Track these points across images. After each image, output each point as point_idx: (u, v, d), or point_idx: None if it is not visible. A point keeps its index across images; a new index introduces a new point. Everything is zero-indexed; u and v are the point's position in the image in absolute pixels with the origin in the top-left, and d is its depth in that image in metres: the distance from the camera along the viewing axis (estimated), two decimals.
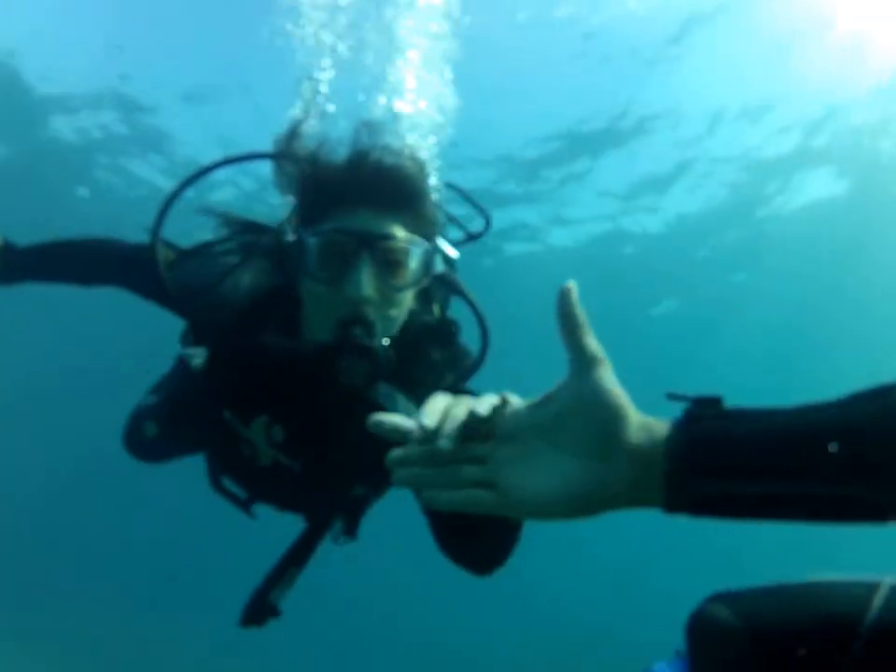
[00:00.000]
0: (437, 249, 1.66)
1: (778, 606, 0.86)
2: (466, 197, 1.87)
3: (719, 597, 0.88)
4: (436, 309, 1.80)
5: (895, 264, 11.80)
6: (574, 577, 17.78)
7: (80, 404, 14.64)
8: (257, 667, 11.55)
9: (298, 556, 2.19)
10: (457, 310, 1.86)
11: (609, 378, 0.83)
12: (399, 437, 0.88)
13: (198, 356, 1.86)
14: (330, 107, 3.42)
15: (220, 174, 1.77)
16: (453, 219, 1.83)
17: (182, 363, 2.02)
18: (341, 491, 2.04)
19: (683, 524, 0.85)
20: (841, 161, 10.31)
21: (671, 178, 10.88)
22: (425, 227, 1.62)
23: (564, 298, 0.84)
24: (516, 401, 0.89)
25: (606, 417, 0.81)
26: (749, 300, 13.42)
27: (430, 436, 0.84)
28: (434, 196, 1.68)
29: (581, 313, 0.84)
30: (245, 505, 2.17)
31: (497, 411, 0.88)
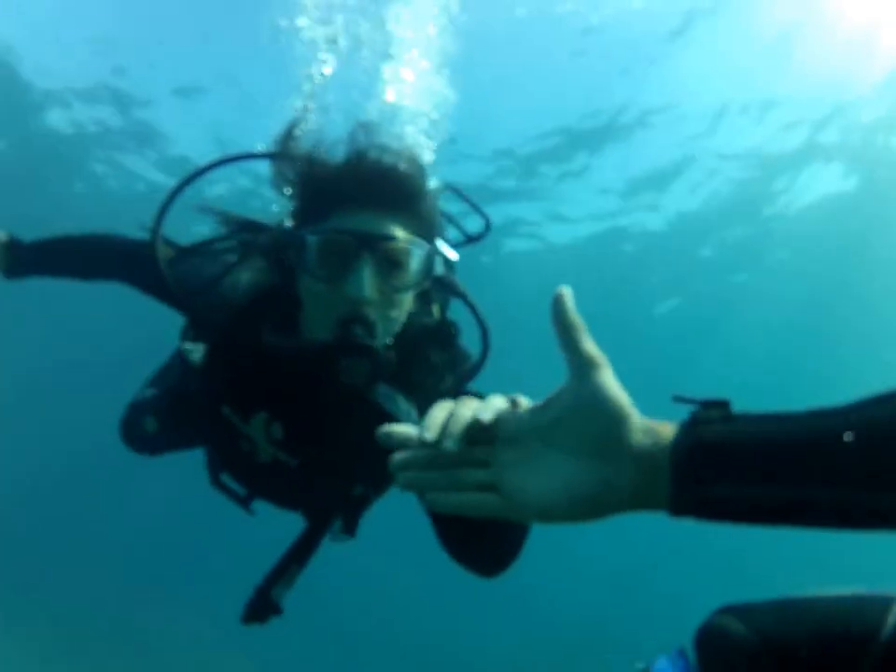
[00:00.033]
0: (437, 251, 1.66)
1: (791, 619, 0.85)
2: (466, 199, 1.84)
3: (729, 609, 0.87)
4: (435, 311, 1.79)
5: None
6: (573, 579, 17.85)
7: (77, 397, 14.67)
8: (256, 667, 11.56)
9: (299, 554, 2.20)
10: (456, 312, 1.85)
11: (609, 380, 0.82)
12: (406, 445, 0.89)
13: (196, 351, 1.88)
14: (329, 99, 3.40)
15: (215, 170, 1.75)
16: (452, 221, 1.82)
17: (181, 358, 2.02)
18: (340, 490, 2.04)
19: (684, 526, 0.85)
20: (848, 158, 10.28)
21: (672, 175, 10.88)
22: (424, 228, 1.61)
23: (558, 302, 0.84)
24: (524, 403, 0.89)
25: (606, 420, 0.81)
26: (752, 298, 13.42)
27: (436, 439, 0.85)
28: (433, 197, 1.67)
29: (576, 316, 0.84)
30: (243, 501, 2.18)
31: (501, 415, 0.88)
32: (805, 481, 0.73)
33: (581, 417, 0.82)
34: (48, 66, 9.62)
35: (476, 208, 1.82)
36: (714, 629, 0.86)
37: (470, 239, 1.83)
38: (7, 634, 9.62)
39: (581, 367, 0.82)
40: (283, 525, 2.34)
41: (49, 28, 8.83)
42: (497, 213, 10.65)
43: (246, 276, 1.76)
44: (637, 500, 0.81)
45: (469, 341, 1.83)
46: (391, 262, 1.55)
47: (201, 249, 1.86)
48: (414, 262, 1.58)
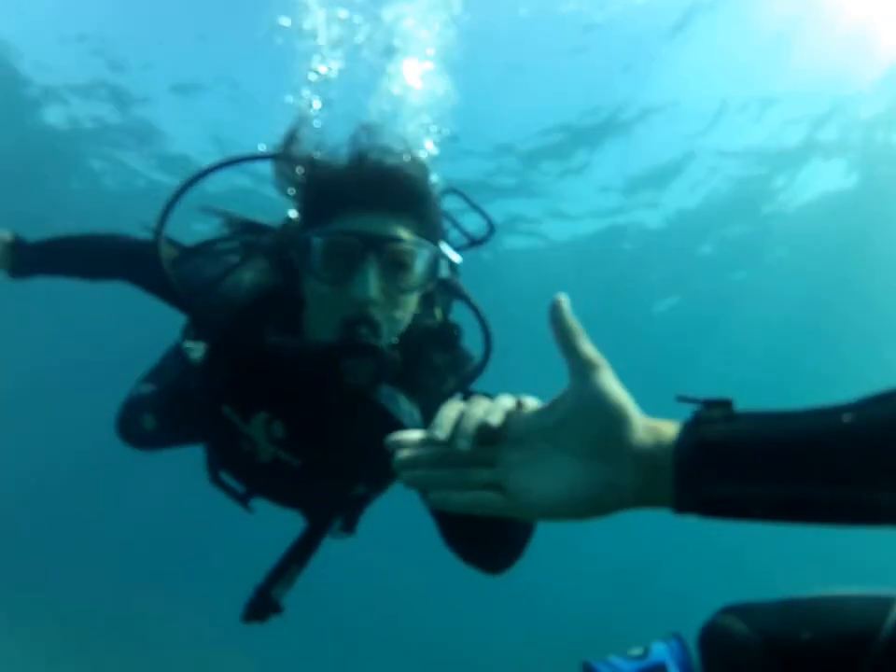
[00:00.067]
0: (442, 252, 1.66)
1: (792, 619, 0.86)
2: (469, 202, 1.84)
3: (732, 609, 0.89)
4: (438, 313, 1.79)
5: None
6: (577, 576, 17.83)
7: (79, 396, 14.66)
8: (257, 666, 11.57)
9: (300, 554, 2.20)
10: (457, 313, 1.86)
11: (609, 381, 0.84)
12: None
13: (197, 350, 1.88)
14: (331, 96, 3.41)
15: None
16: (456, 224, 1.82)
17: (181, 357, 2.03)
18: (341, 489, 2.04)
19: (688, 524, 0.86)
20: (848, 155, 10.25)
21: (672, 172, 10.85)
22: (429, 229, 1.62)
23: (556, 309, 0.86)
24: (530, 404, 0.91)
25: (607, 420, 0.82)
26: (751, 296, 13.40)
27: (448, 438, 0.86)
28: (437, 199, 1.68)
29: (574, 321, 0.86)
30: (242, 499, 2.17)
31: (509, 416, 0.89)
32: (807, 479, 0.73)
33: (582, 418, 0.83)
34: (45, 63, 9.59)
35: (480, 211, 1.82)
36: (717, 629, 0.87)
37: (474, 242, 1.83)
38: (11, 633, 9.64)
39: (581, 369, 0.84)
40: (282, 524, 2.34)
41: (46, 24, 8.81)
42: (497, 210, 10.64)
43: (249, 277, 1.76)
44: (640, 499, 0.82)
45: (469, 342, 1.83)
46: (396, 264, 1.56)
47: (203, 249, 1.87)
48: (420, 264, 1.59)
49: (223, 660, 11.24)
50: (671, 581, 16.85)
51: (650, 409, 0.85)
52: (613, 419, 0.82)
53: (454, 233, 1.80)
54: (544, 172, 10.89)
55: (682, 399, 0.84)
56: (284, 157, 1.66)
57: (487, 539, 1.47)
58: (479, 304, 1.78)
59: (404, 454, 0.90)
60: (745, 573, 15.40)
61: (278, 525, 2.40)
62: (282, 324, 1.70)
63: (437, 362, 1.74)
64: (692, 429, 0.79)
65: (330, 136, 1.65)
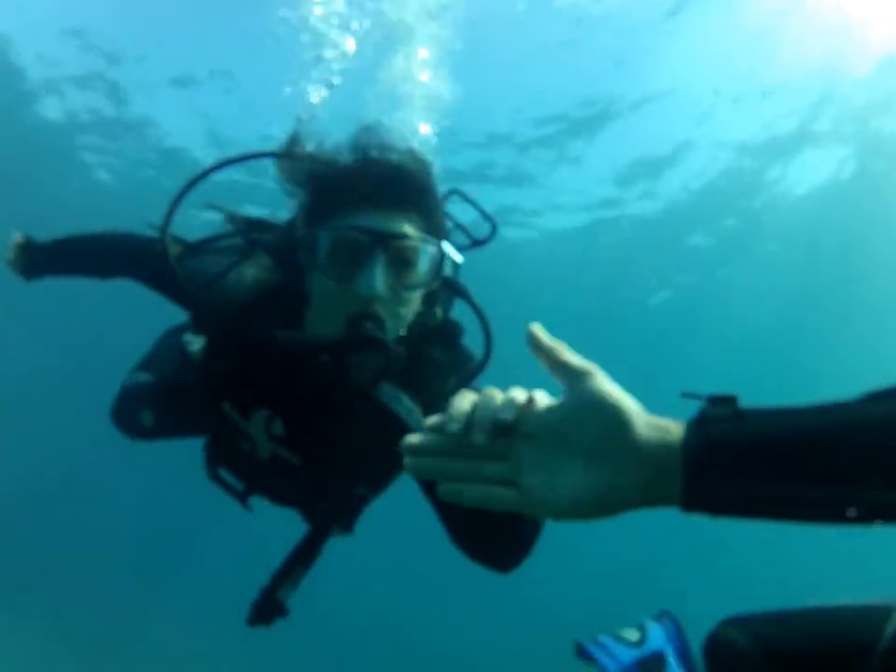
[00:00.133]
0: (446, 250, 1.67)
1: (793, 630, 0.87)
2: (471, 202, 1.85)
3: (734, 621, 0.89)
4: (438, 311, 1.80)
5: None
6: (577, 577, 17.87)
7: (80, 396, 14.64)
8: (255, 667, 11.59)
9: (304, 556, 2.17)
10: (457, 312, 1.86)
11: (603, 384, 0.84)
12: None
13: (196, 343, 1.90)
14: (336, 80, 3.40)
15: (207, 162, 1.75)
16: (458, 225, 1.82)
17: (181, 351, 2.04)
18: (340, 489, 2.03)
19: (687, 525, 0.85)
20: (840, 145, 10.25)
21: (664, 164, 10.84)
22: (433, 227, 1.63)
23: (532, 336, 0.89)
24: (541, 399, 0.90)
25: (606, 422, 0.82)
26: (742, 289, 13.43)
27: (461, 430, 0.85)
28: (440, 198, 1.69)
29: (552, 340, 0.88)
30: (241, 497, 2.17)
31: (521, 410, 0.88)
32: (816, 479, 0.73)
33: (581, 421, 0.84)
34: (41, 55, 9.56)
35: (482, 212, 1.82)
36: (720, 640, 0.88)
37: (476, 242, 1.83)
38: (10, 633, 9.65)
39: (574, 378, 0.85)
40: (282, 523, 2.33)
41: (42, 17, 8.76)
42: (489, 200, 10.63)
43: (251, 273, 1.77)
44: (646, 498, 0.82)
45: (468, 341, 1.84)
46: (402, 260, 1.57)
47: (207, 246, 1.89)
48: (425, 261, 1.60)
49: (223, 660, 11.26)
50: (671, 582, 16.90)
51: (651, 405, 0.85)
52: (612, 420, 0.82)
53: (454, 233, 1.80)
54: (536, 161, 10.86)
55: (687, 396, 0.84)
56: (288, 155, 1.67)
57: (496, 537, 1.47)
58: (479, 303, 1.79)
59: (414, 439, 0.89)
60: (745, 573, 15.52)
61: (278, 523, 2.39)
62: (284, 321, 1.70)
63: (438, 360, 1.75)
64: (699, 428, 0.79)
65: (331, 131, 1.66)
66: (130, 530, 15.80)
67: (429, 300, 1.75)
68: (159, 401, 2.27)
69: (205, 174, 1.71)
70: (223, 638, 10.16)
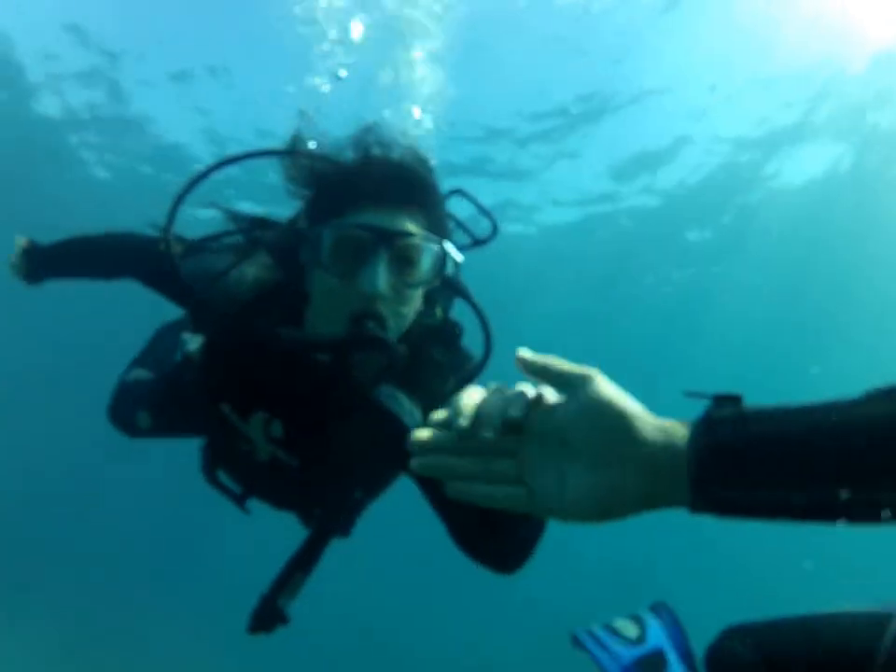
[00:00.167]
0: (448, 249, 1.66)
1: (794, 639, 0.87)
2: (473, 201, 1.84)
3: (736, 630, 0.89)
4: (438, 311, 1.79)
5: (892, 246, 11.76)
6: (576, 579, 17.86)
7: (79, 395, 14.61)
8: (255, 667, 11.58)
9: (304, 562, 2.16)
10: (457, 312, 1.86)
11: (604, 388, 0.83)
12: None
13: (194, 341, 1.88)
14: (342, 72, 3.39)
15: (205, 158, 1.73)
16: (459, 224, 1.82)
17: (180, 349, 2.01)
18: (339, 492, 2.02)
19: (687, 526, 0.84)
20: (836, 139, 10.23)
21: (661, 158, 10.82)
22: (435, 225, 1.63)
23: (522, 360, 0.88)
24: (550, 396, 0.89)
25: (608, 425, 0.82)
26: (736, 285, 13.41)
27: (469, 427, 0.84)
28: (442, 196, 1.69)
29: (543, 357, 0.87)
30: (239, 500, 2.16)
31: (529, 407, 0.87)
32: (822, 480, 0.73)
33: (584, 423, 0.83)
34: (39, 52, 9.52)
35: (484, 212, 1.82)
36: (722, 651, 0.88)
37: (477, 242, 1.83)
38: (10, 633, 9.64)
39: (575, 386, 0.84)
40: (281, 525, 2.32)
41: (41, 13, 8.73)
42: (487, 195, 10.59)
43: (252, 272, 1.77)
44: (654, 500, 0.82)
45: (468, 341, 1.83)
46: (405, 258, 1.56)
47: (207, 245, 1.88)
48: (428, 259, 1.60)
49: (223, 660, 11.25)
50: (670, 582, 16.92)
51: (650, 403, 0.85)
52: (616, 425, 0.81)
53: (455, 232, 1.79)
54: (533, 156, 10.83)
55: (691, 395, 0.83)
56: (290, 153, 1.66)
57: (499, 538, 1.46)
58: (479, 303, 1.78)
59: (421, 433, 0.88)
60: (745, 573, 15.52)
61: (277, 526, 2.37)
62: (285, 319, 1.70)
63: (438, 360, 1.74)
64: (704, 430, 0.79)
65: (331, 127, 1.66)
66: (130, 530, 15.79)
67: (429, 299, 1.74)
68: (156, 402, 2.26)
69: (207, 172, 1.71)
70: (223, 638, 10.14)
